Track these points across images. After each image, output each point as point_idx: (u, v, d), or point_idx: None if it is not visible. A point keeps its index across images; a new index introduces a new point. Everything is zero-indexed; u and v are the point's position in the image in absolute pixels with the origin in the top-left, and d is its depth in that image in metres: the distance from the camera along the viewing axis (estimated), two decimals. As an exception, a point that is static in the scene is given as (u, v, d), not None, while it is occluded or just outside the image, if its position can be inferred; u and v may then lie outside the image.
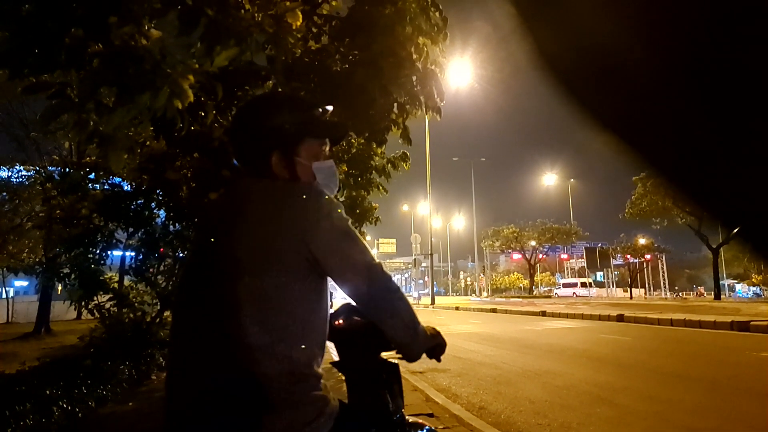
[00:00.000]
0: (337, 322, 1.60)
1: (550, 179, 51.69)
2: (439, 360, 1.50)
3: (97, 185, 7.91)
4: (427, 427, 2.11)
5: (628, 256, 54.41)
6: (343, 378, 1.60)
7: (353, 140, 8.74)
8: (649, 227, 44.85)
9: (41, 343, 14.78)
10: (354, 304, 1.49)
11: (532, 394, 6.11)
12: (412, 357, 1.35)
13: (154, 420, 4.95)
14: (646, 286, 59.13)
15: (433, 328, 1.49)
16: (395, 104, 5.63)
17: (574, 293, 49.78)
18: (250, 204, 1.22)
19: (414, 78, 5.54)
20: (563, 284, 57.53)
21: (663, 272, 61.96)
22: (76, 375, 4.53)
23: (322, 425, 1.13)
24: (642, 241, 53.38)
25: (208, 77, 3.11)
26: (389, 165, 9.67)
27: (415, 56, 5.50)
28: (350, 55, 5.76)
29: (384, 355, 1.69)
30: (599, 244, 42.93)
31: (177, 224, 7.83)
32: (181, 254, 7.99)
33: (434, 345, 1.46)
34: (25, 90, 2.79)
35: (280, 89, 5.89)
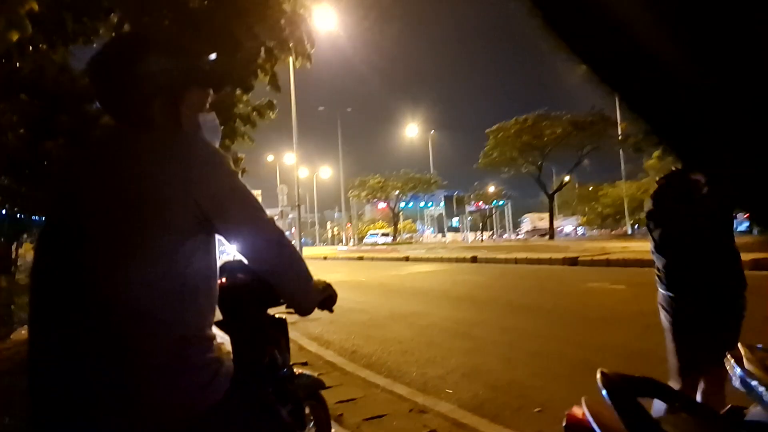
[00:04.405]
0: (220, 281, 1.54)
1: (412, 130, 53.45)
2: (331, 311, 1.52)
3: None
4: (314, 376, 2.16)
5: (480, 203, 59.33)
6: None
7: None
8: (498, 176, 49.17)
9: None
10: (239, 260, 1.43)
11: (400, 334, 6.51)
12: (305, 310, 1.35)
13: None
14: (494, 229, 65.21)
15: (324, 281, 1.50)
16: (263, 48, 5.34)
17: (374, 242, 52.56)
18: (131, 157, 1.10)
19: (282, 21, 5.29)
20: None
21: (508, 217, 69.12)
22: None
23: (219, 387, 1.09)
24: (492, 189, 58.46)
25: (57, 4, 2.66)
26: (254, 113, 9.26)
27: (282, -2, 5.23)
28: (209, -9, 5.31)
29: (271, 311, 1.67)
30: (456, 192, 46.07)
31: (3, 176, 6.82)
32: (10, 211, 7.01)
33: (326, 297, 1.48)
34: None
35: (127, 25, 5.26)
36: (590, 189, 57.86)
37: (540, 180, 40.71)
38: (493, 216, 64.95)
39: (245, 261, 1.24)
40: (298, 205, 24.47)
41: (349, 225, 65.11)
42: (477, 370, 4.71)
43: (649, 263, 3.05)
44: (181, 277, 1.07)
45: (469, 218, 55.26)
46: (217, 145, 1.28)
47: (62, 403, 1.02)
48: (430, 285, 12.01)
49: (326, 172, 63.16)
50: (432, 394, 4.09)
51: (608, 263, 13.59)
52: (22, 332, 7.80)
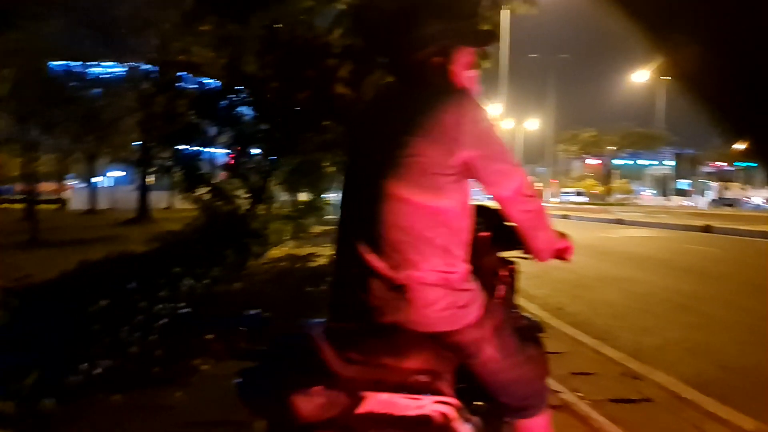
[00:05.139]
0: None
1: (640, 77, 46.98)
2: (566, 260, 1.59)
3: (189, 84, 8.23)
4: (535, 320, 2.26)
5: (720, 163, 50.64)
6: None
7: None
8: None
9: (145, 228, 16.30)
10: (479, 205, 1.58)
11: (610, 298, 6.19)
12: (544, 257, 1.46)
13: (259, 297, 5.54)
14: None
15: (561, 232, 1.57)
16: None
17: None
18: (410, 110, 1.28)
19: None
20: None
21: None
22: (193, 256, 5.12)
23: (473, 311, 1.28)
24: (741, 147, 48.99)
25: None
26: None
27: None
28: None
29: (504, 254, 1.79)
30: (688, 151, 39.99)
31: (263, 123, 8.11)
32: (265, 152, 8.33)
33: (563, 246, 1.55)
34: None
35: None
36: None
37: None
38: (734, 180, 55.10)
39: (494, 207, 1.37)
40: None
41: (555, 181, 61.95)
42: (704, 348, 4.29)
43: None
44: (449, 212, 1.26)
45: (706, 181, 47.93)
46: None
47: (355, 310, 1.29)
48: (647, 251, 10.98)
49: (532, 125, 60.14)
50: (647, 362, 3.88)
51: None
52: (274, 251, 9.47)
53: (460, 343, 1.27)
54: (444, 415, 1.19)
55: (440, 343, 1.25)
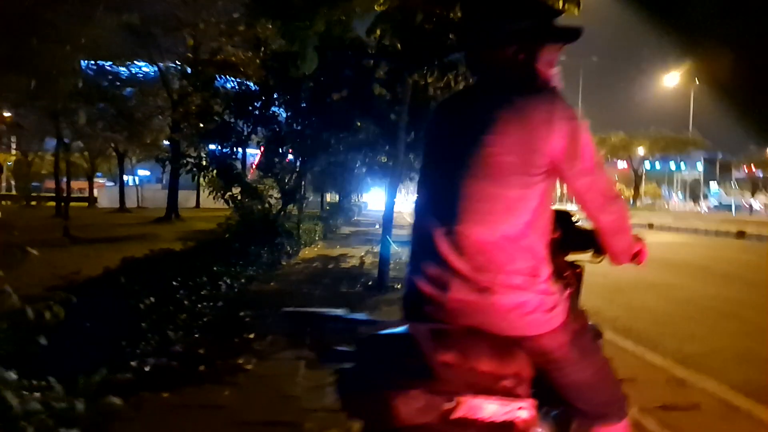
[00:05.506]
0: None
1: (671, 79, 45.79)
2: (640, 263, 1.56)
3: (225, 84, 8.35)
4: (596, 325, 2.22)
5: (753, 167, 49.28)
6: None
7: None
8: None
9: (175, 227, 16.61)
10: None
11: (649, 303, 6.07)
12: (621, 261, 1.43)
13: (294, 298, 5.59)
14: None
15: (637, 235, 1.53)
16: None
17: None
18: (497, 109, 1.26)
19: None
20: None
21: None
22: (229, 255, 5.18)
23: (559, 315, 1.26)
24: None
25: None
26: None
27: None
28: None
29: (571, 257, 1.76)
30: (719, 155, 38.96)
31: (298, 123, 8.17)
32: (300, 153, 8.37)
33: (638, 250, 1.52)
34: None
35: None
36: None
37: None
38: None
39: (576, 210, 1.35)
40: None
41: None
42: (751, 355, 4.17)
43: None
44: (534, 213, 1.24)
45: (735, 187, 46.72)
46: None
47: (433, 311, 1.26)
48: (683, 257, 10.73)
49: (562, 128, 59.27)
50: (693, 369, 3.78)
51: None
52: (305, 252, 9.52)
53: (544, 348, 1.25)
54: (525, 421, 1.18)
55: (523, 346, 1.23)
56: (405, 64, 5.61)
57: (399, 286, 6.32)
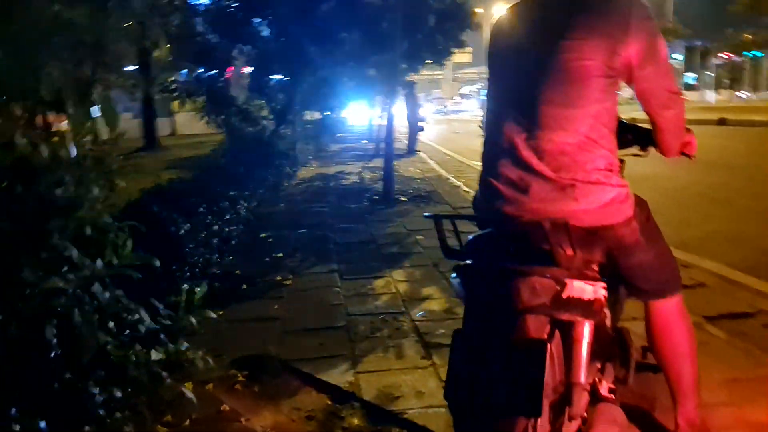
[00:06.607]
0: None
1: (649, -34, 44.11)
2: (691, 157, 1.70)
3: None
4: None
5: (730, 54, 48.94)
6: None
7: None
8: (760, 21, 39.26)
9: (160, 156, 16.27)
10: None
11: (643, 194, 6.30)
12: (672, 154, 1.57)
13: (306, 216, 5.75)
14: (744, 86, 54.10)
15: (688, 128, 1.65)
16: None
17: None
18: (571, 12, 1.32)
19: None
20: None
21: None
22: (236, 179, 5.23)
23: (628, 207, 1.41)
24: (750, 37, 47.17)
25: None
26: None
27: None
28: None
29: (624, 152, 1.89)
30: (700, 43, 38.62)
31: (283, 39, 7.88)
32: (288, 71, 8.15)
33: (688, 141, 1.65)
34: None
35: None
36: None
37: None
38: (745, 71, 53.48)
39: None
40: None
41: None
42: (743, 236, 4.51)
43: None
44: (609, 113, 1.35)
45: (712, 74, 46.62)
46: None
47: (512, 210, 1.38)
48: (667, 148, 11.01)
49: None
50: (693, 252, 4.09)
51: None
52: (303, 172, 9.58)
53: (619, 234, 1.40)
54: (605, 297, 1.37)
55: (601, 235, 1.39)
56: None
57: (405, 199, 6.51)
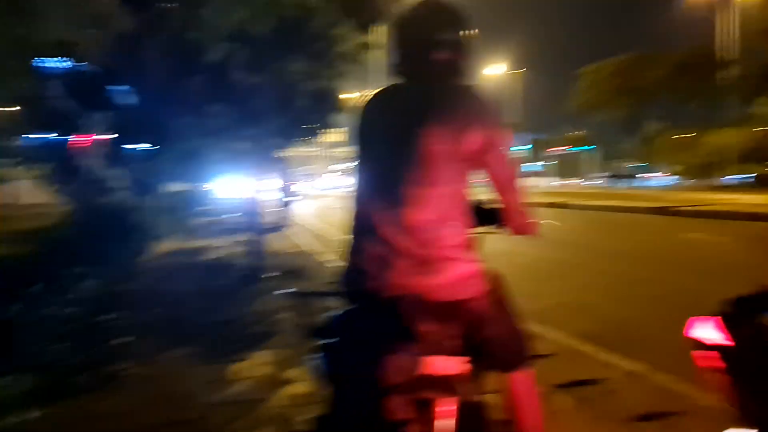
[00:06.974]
0: None
1: (498, 69, 50.56)
2: (534, 234, 1.86)
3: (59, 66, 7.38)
4: None
5: (561, 148, 57.21)
6: None
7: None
8: (591, 122, 46.54)
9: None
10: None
11: (501, 268, 6.79)
12: (521, 233, 1.71)
13: (160, 294, 5.29)
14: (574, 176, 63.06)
15: (531, 209, 1.81)
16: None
17: None
18: (424, 105, 1.45)
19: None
20: None
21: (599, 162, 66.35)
22: (85, 253, 4.75)
23: (479, 283, 1.49)
24: (576, 133, 55.82)
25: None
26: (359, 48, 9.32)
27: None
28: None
29: (477, 230, 2.01)
30: (545, 136, 44.78)
31: (150, 109, 7.58)
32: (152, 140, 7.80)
33: (531, 223, 1.82)
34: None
35: None
36: (692, 135, 50.78)
37: (634, 124, 38.55)
38: (578, 161, 62.47)
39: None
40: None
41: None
42: (583, 308, 4.99)
43: (751, 216, 3.12)
44: (464, 193, 1.46)
45: (548, 163, 53.57)
46: None
47: (377, 286, 1.41)
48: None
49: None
50: (544, 323, 4.41)
51: (703, 215, 12.96)
52: (165, 245, 8.91)
53: (476, 308, 1.47)
54: (466, 373, 1.40)
55: (459, 309, 1.44)
56: (272, 50, 5.54)
57: (274, 274, 6.32)
